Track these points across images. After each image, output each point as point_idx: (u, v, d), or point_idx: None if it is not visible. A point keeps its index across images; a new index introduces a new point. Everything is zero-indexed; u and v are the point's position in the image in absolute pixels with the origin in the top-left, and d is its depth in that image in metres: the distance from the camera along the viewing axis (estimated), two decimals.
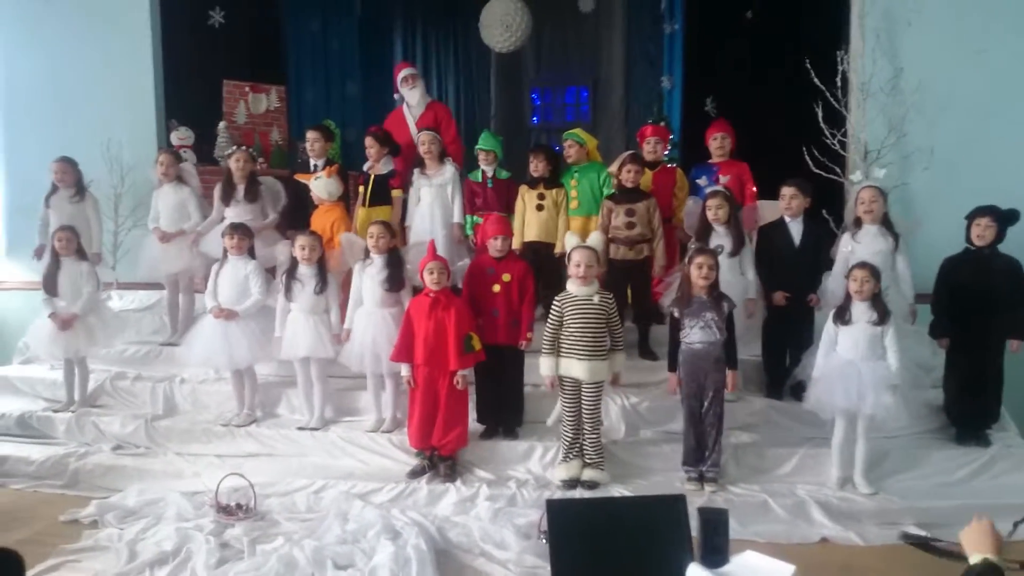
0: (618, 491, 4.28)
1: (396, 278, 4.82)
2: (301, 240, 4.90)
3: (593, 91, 9.64)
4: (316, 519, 4.03)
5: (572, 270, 4.32)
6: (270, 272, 5.31)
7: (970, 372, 4.67)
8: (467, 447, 4.64)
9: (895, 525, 4.06)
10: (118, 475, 4.71)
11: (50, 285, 5.24)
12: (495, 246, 4.69)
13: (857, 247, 4.71)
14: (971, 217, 4.66)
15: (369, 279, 4.85)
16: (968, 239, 4.67)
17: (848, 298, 4.30)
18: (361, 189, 5.78)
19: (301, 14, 8.63)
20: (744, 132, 5.81)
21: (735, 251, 4.85)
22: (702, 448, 4.36)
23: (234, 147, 5.85)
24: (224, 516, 4.07)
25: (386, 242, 4.85)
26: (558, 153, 5.89)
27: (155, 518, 4.09)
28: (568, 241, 4.45)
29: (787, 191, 4.95)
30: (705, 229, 4.94)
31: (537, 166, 5.52)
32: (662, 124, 6.88)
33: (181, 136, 6.78)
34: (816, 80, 5.81)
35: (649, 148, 5.74)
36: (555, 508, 2.85)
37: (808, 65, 5.79)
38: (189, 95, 7.12)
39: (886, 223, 4.76)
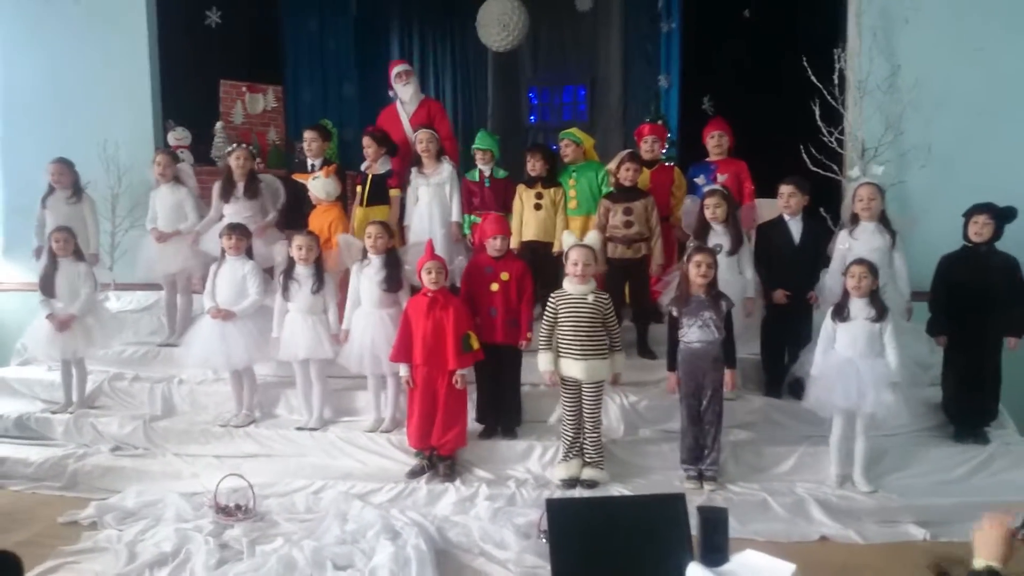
0: (617, 490, 4.28)
1: (394, 278, 4.82)
2: (298, 240, 4.89)
3: (590, 90, 9.64)
4: (315, 519, 4.03)
5: (570, 268, 4.32)
6: (269, 272, 5.31)
7: (968, 370, 4.68)
8: (466, 447, 4.63)
9: (894, 523, 4.08)
10: (117, 476, 4.70)
11: (47, 286, 5.23)
12: (494, 246, 4.69)
13: (854, 244, 4.71)
14: (968, 215, 4.66)
15: (367, 280, 4.84)
16: (965, 236, 4.67)
17: (846, 295, 4.30)
18: (359, 189, 5.78)
19: (298, 14, 8.62)
20: (741, 130, 5.81)
21: (733, 250, 4.85)
22: (701, 447, 4.36)
23: (234, 144, 5.84)
24: (223, 517, 4.06)
25: (384, 242, 4.84)
26: (555, 152, 5.89)
27: (154, 519, 4.08)
28: (566, 240, 4.45)
29: (785, 189, 4.95)
30: (703, 228, 4.94)
31: (534, 165, 5.52)
32: (659, 123, 6.88)
33: (178, 136, 6.77)
34: (813, 78, 5.82)
35: (647, 147, 5.74)
36: (555, 507, 2.85)
37: (805, 63, 5.80)
38: (186, 95, 7.11)
39: (883, 220, 4.77)
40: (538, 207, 5.49)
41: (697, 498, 3.98)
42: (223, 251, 5.08)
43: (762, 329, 5.10)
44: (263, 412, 5.26)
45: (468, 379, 4.61)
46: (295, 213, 5.79)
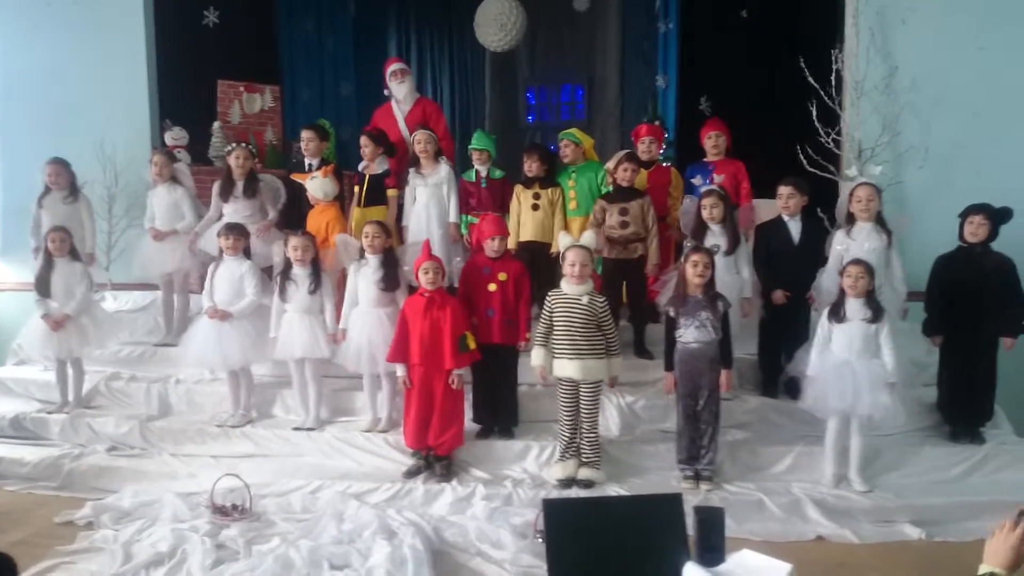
0: (614, 490, 4.29)
1: (392, 278, 4.82)
2: (294, 241, 4.89)
3: (588, 90, 9.63)
4: (312, 519, 4.02)
5: (567, 269, 4.32)
6: (267, 271, 5.30)
7: (963, 370, 4.69)
8: (463, 446, 4.63)
9: (890, 523, 4.08)
10: (113, 476, 4.69)
11: (43, 286, 5.22)
12: (491, 246, 4.69)
13: (851, 244, 4.72)
14: (964, 215, 4.67)
15: (364, 279, 4.84)
16: (961, 237, 4.68)
17: (842, 295, 4.31)
18: (356, 189, 5.77)
19: (295, 14, 8.62)
20: (738, 131, 5.82)
21: (730, 250, 4.86)
22: (698, 447, 4.36)
23: (233, 144, 5.82)
24: (220, 517, 4.06)
25: (381, 242, 4.84)
26: (552, 152, 5.88)
27: (150, 519, 4.07)
28: (562, 241, 4.45)
29: (784, 190, 4.96)
30: (700, 228, 4.94)
31: (531, 166, 5.52)
32: (657, 123, 6.89)
33: (175, 136, 6.76)
34: (810, 79, 5.83)
35: (644, 147, 5.74)
36: (551, 507, 2.84)
37: (802, 64, 5.81)
38: (183, 95, 7.10)
39: (879, 220, 4.78)
40: (535, 207, 5.49)
41: (693, 498, 3.99)
42: (221, 251, 5.07)
43: (760, 329, 5.11)
44: (260, 412, 5.25)
45: (465, 379, 4.61)
46: (293, 213, 5.79)
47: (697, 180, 5.64)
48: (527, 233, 5.49)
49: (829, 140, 5.86)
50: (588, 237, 4.45)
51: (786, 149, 5.83)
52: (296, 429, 4.97)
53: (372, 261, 4.84)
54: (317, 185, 5.49)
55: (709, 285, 4.30)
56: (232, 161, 5.63)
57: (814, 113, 5.84)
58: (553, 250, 5.34)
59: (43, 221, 5.68)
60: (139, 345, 5.89)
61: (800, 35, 6.77)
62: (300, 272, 4.90)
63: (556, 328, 4.31)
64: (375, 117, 6.42)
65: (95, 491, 4.55)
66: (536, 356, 4.37)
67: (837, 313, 4.29)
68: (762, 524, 4.05)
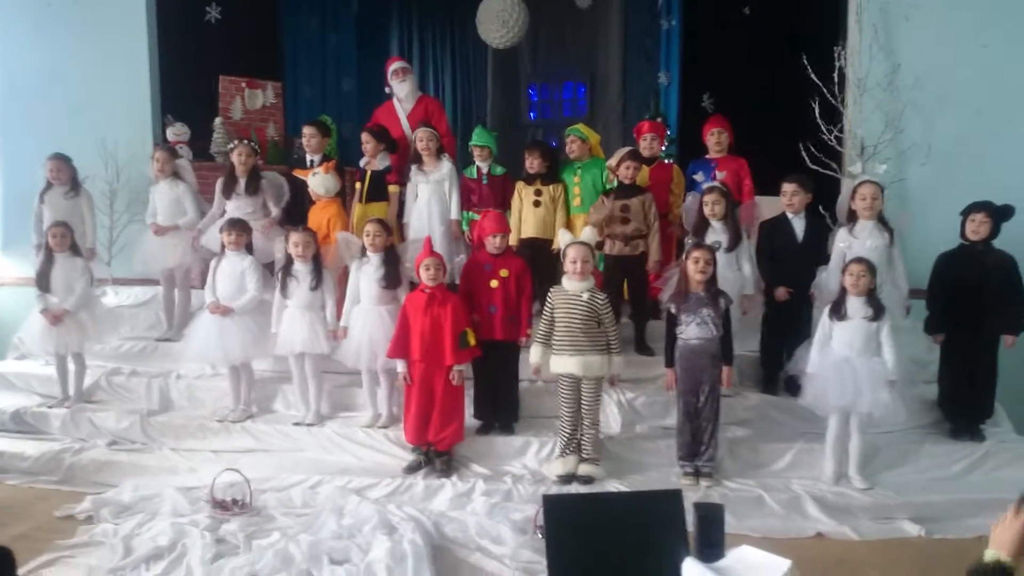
0: (614, 486, 4.29)
1: (393, 275, 4.82)
2: (295, 237, 4.90)
3: (590, 87, 9.62)
4: (312, 514, 4.03)
5: (568, 266, 4.31)
6: (269, 267, 5.30)
7: (964, 367, 4.69)
8: (463, 442, 4.64)
9: (890, 520, 4.09)
10: (113, 471, 4.70)
11: (43, 281, 5.23)
12: (493, 243, 4.69)
13: (854, 243, 4.71)
14: (966, 213, 4.67)
15: (366, 276, 4.84)
16: (963, 235, 4.68)
17: (843, 293, 4.30)
18: (358, 185, 5.77)
19: (298, 10, 8.60)
20: (740, 128, 5.80)
21: (731, 246, 4.86)
22: (698, 443, 4.36)
23: (235, 140, 5.82)
24: (220, 511, 4.07)
25: (382, 240, 4.84)
26: (553, 149, 5.87)
27: (150, 514, 4.08)
28: (562, 238, 4.44)
29: (788, 187, 4.95)
30: (702, 224, 4.94)
31: (532, 163, 5.52)
32: (659, 120, 6.87)
33: (177, 132, 6.75)
34: (813, 76, 5.82)
35: (646, 144, 5.74)
36: (551, 503, 2.84)
37: (805, 61, 5.79)
38: (185, 91, 7.09)
39: (880, 219, 4.77)
40: (537, 204, 5.48)
41: (693, 494, 3.99)
42: (223, 246, 5.07)
43: (763, 326, 5.11)
44: (260, 407, 5.26)
45: (465, 375, 4.61)
46: (295, 209, 5.79)
47: (699, 177, 5.63)
48: (528, 230, 5.49)
49: (831, 137, 5.85)
50: (588, 233, 4.44)
51: (788, 146, 5.81)
52: (296, 424, 4.98)
53: (374, 259, 4.85)
54: (319, 181, 5.49)
55: (711, 282, 4.30)
56: (235, 158, 5.62)
57: (816, 110, 5.83)
58: (554, 247, 5.34)
59: (45, 216, 5.69)
60: (140, 340, 5.89)
61: (803, 32, 6.76)
62: (301, 268, 4.90)
63: (557, 324, 4.31)
64: (376, 115, 6.40)
65: (95, 485, 4.55)
66: (534, 354, 4.38)
67: (838, 311, 4.29)
68: (762, 520, 4.05)
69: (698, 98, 7.80)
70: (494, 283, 4.66)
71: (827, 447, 4.40)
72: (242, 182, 5.61)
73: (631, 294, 5.33)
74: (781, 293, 4.92)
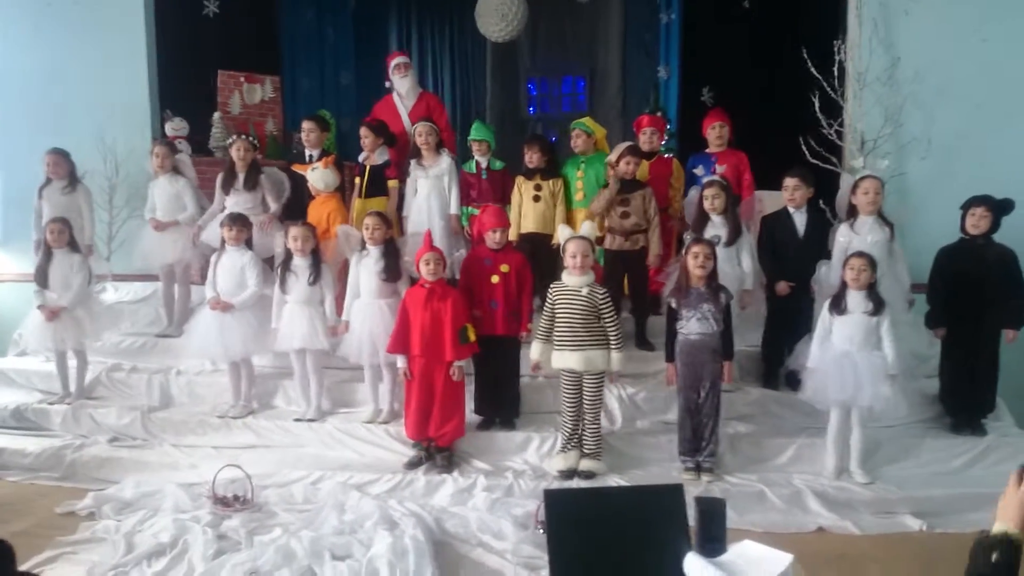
0: (615, 481, 4.29)
1: (393, 268, 4.82)
2: (294, 231, 4.89)
3: (590, 81, 9.60)
4: (313, 510, 4.03)
5: (568, 261, 4.31)
6: (269, 262, 5.29)
7: (965, 362, 4.69)
8: (464, 438, 4.64)
9: (891, 514, 4.09)
10: (114, 467, 4.70)
11: (41, 277, 5.22)
12: (493, 238, 4.68)
13: (855, 237, 4.70)
14: (966, 207, 4.66)
15: (366, 270, 4.84)
16: (963, 229, 4.68)
17: (844, 287, 4.30)
18: (357, 180, 5.76)
19: (296, 4, 8.57)
20: (740, 122, 5.80)
21: (730, 241, 4.85)
22: (699, 438, 4.36)
23: (234, 135, 5.80)
24: (221, 507, 4.07)
25: (382, 233, 4.83)
26: (553, 143, 5.86)
27: (152, 510, 4.08)
28: (561, 233, 4.44)
29: (790, 182, 4.94)
30: (701, 219, 4.93)
31: (532, 157, 5.50)
32: (658, 114, 6.86)
33: (175, 127, 6.73)
34: (813, 70, 5.80)
35: (645, 138, 5.72)
36: (552, 498, 2.83)
37: (805, 55, 5.78)
38: (184, 85, 7.06)
39: (880, 213, 4.76)
40: (537, 199, 5.47)
41: (695, 489, 4.00)
42: (223, 241, 5.07)
43: (767, 320, 5.10)
44: (261, 403, 5.26)
45: (466, 370, 4.61)
46: (294, 204, 5.77)
47: (699, 171, 5.63)
48: (528, 224, 5.48)
49: (831, 132, 5.84)
50: (587, 228, 4.44)
51: (788, 140, 5.81)
52: (297, 420, 4.98)
53: (373, 252, 4.84)
54: (318, 176, 5.48)
55: (711, 277, 4.29)
56: (234, 153, 5.61)
57: (816, 104, 5.82)
58: (554, 242, 5.33)
59: (44, 212, 5.67)
60: (140, 336, 5.88)
61: (802, 26, 6.74)
62: (300, 263, 4.90)
63: (558, 320, 4.31)
64: (375, 110, 6.39)
65: (97, 482, 4.56)
66: (534, 350, 4.38)
67: (838, 305, 4.29)
68: (763, 515, 4.06)
69: (698, 92, 7.79)
70: (495, 278, 4.65)
71: (828, 442, 4.40)
72: (241, 177, 5.60)
73: (631, 289, 5.33)
74: (782, 288, 4.92)
